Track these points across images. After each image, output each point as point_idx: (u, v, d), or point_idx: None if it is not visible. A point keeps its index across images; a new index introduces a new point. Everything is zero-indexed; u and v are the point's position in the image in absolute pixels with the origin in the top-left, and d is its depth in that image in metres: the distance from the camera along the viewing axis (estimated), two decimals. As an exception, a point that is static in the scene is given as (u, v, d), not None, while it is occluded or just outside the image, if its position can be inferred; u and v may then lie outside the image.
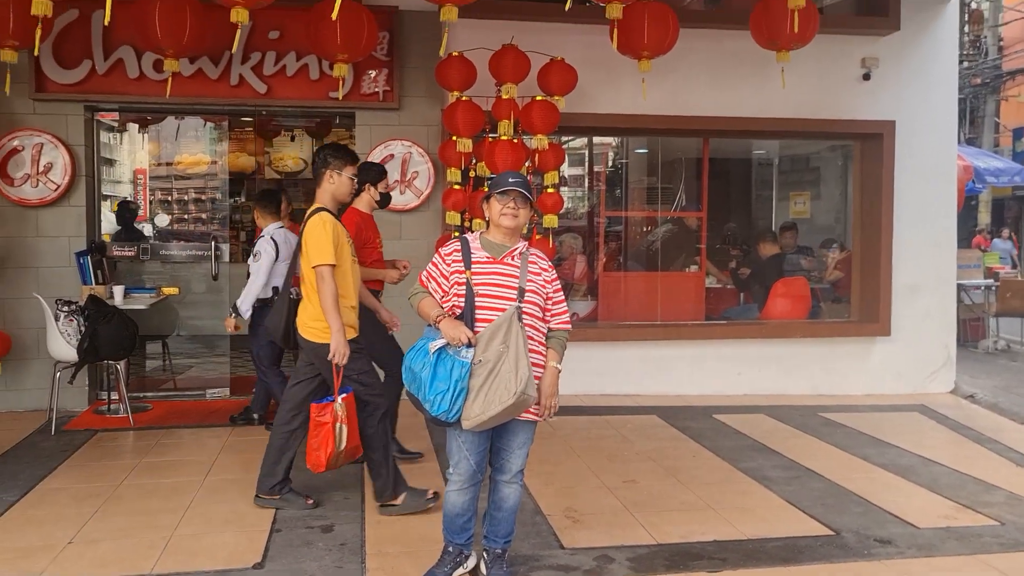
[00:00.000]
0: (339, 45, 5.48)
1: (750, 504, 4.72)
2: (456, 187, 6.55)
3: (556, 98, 6.39)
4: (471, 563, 3.62)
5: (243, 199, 10.62)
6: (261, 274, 5.78)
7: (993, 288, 10.76)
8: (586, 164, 9.44)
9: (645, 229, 8.69)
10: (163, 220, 10.61)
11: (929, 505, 4.77)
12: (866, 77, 7.64)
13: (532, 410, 3.40)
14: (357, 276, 4.38)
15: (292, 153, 10.86)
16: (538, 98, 6.35)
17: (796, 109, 7.44)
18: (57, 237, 6.62)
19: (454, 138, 6.37)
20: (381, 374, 4.88)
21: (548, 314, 3.49)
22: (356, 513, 4.44)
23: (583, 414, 6.62)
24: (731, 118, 7.46)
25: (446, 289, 3.44)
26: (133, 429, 6.10)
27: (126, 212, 8.46)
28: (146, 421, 6.31)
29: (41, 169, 6.53)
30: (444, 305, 3.41)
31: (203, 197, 10.73)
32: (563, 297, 3.56)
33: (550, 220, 6.61)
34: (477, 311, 3.34)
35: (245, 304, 5.78)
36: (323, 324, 4.11)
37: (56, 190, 6.56)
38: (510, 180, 3.43)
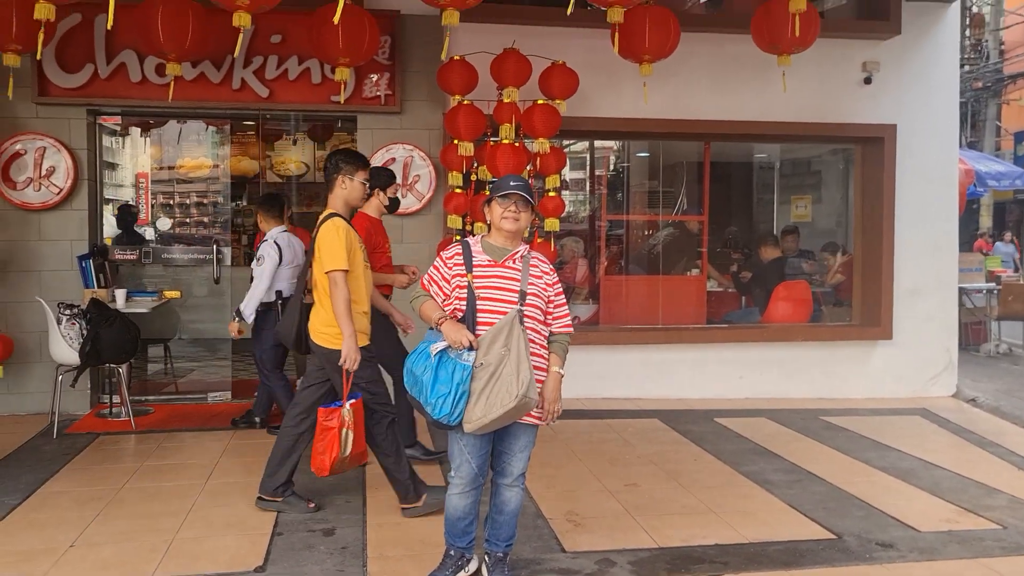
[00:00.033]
0: (341, 49, 5.49)
1: (751, 508, 4.71)
2: (458, 191, 6.56)
3: (557, 102, 6.40)
4: (472, 567, 3.62)
5: (245, 203, 10.64)
6: (264, 278, 5.78)
7: (995, 292, 10.75)
8: (587, 168, 9.45)
9: (646, 233, 8.69)
10: (165, 224, 10.62)
11: (931, 509, 4.77)
12: (867, 81, 7.65)
13: (534, 414, 3.40)
14: (369, 281, 4.38)
15: (294, 157, 10.87)
16: (539, 102, 6.35)
17: (797, 113, 7.45)
18: (59, 241, 6.63)
19: (456, 142, 6.37)
20: (389, 380, 4.88)
21: (549, 317, 3.49)
22: (357, 516, 4.44)
23: (584, 418, 6.62)
24: (732, 122, 7.47)
25: (447, 292, 3.44)
26: (135, 432, 6.11)
27: (127, 216, 8.48)
28: (148, 424, 6.32)
29: (43, 173, 6.54)
30: (446, 309, 3.42)
31: (205, 201, 10.74)
32: (564, 300, 3.57)
33: (551, 224, 6.62)
34: (478, 314, 3.35)
35: (249, 308, 5.78)
36: (335, 330, 4.11)
37: (58, 194, 6.57)
38: (511, 183, 3.44)
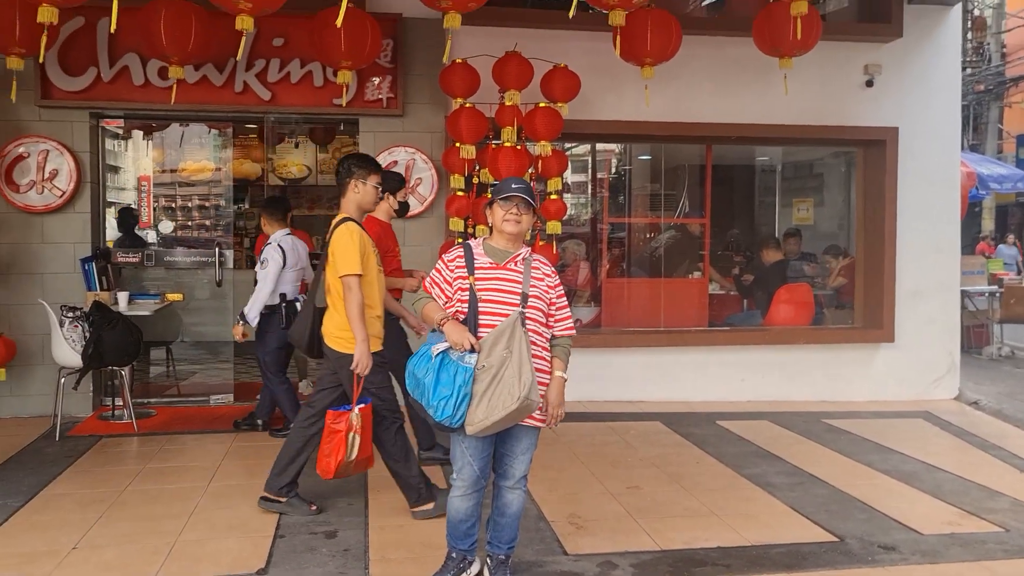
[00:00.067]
0: (343, 52, 5.50)
1: (754, 510, 4.71)
2: (460, 193, 6.56)
3: (559, 105, 6.41)
4: (475, 569, 3.62)
5: (247, 205, 10.66)
6: (268, 281, 5.79)
7: (997, 295, 10.75)
8: (589, 170, 9.46)
9: (648, 235, 8.70)
10: (167, 227, 10.64)
11: (933, 511, 4.76)
12: (869, 84, 7.65)
13: (536, 416, 3.40)
14: (383, 285, 4.39)
15: (296, 160, 10.89)
16: (541, 105, 6.36)
17: (799, 116, 7.45)
18: (62, 243, 6.64)
19: (458, 145, 6.38)
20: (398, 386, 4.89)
21: (551, 320, 3.50)
22: (360, 519, 4.44)
23: (586, 420, 6.62)
24: (734, 124, 7.48)
25: (449, 295, 3.45)
26: (137, 435, 6.12)
27: (129, 218, 8.49)
28: (150, 427, 6.32)
29: (46, 176, 6.56)
30: (448, 311, 3.42)
31: (207, 204, 10.76)
32: (566, 303, 3.57)
33: (553, 226, 6.62)
34: (480, 316, 3.35)
35: (252, 312, 5.79)
36: (348, 334, 4.11)
37: (61, 197, 6.59)
38: (513, 186, 3.45)
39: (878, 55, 7.64)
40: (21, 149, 6.52)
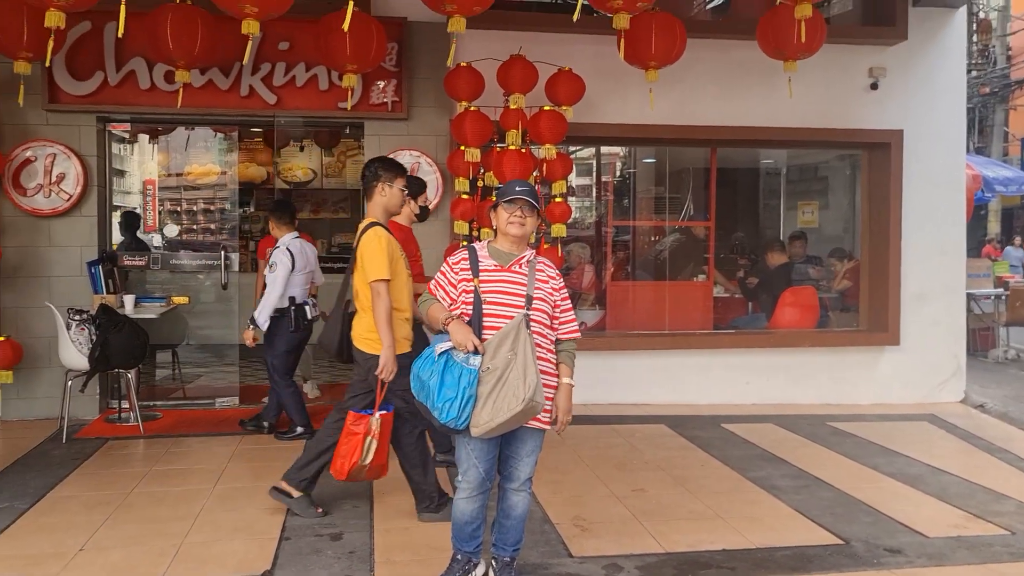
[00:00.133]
0: (348, 56, 5.52)
1: (759, 513, 4.71)
2: (464, 196, 6.58)
3: (564, 108, 6.42)
4: (480, 571, 3.62)
5: (252, 209, 10.69)
6: (278, 285, 5.81)
7: (1003, 297, 10.72)
8: (594, 174, 9.47)
9: (653, 239, 8.70)
10: (172, 230, 10.68)
11: (939, 514, 4.75)
12: (874, 87, 7.65)
13: (541, 418, 3.41)
14: (411, 287, 4.40)
15: (301, 163, 10.92)
16: (546, 108, 6.38)
17: (803, 118, 7.45)
18: (69, 247, 6.67)
19: (462, 148, 6.40)
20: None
21: (556, 322, 3.50)
22: (365, 521, 4.45)
23: (591, 423, 6.62)
24: (738, 127, 7.48)
25: (454, 297, 3.46)
26: (143, 437, 6.13)
27: (133, 222, 8.52)
28: (156, 429, 6.34)
29: (53, 179, 6.59)
30: (453, 312, 3.43)
31: (212, 207, 10.80)
32: (571, 306, 3.58)
33: (558, 229, 6.63)
34: (485, 319, 3.36)
35: (263, 316, 5.81)
36: (376, 335, 4.13)
37: (68, 200, 6.61)
38: (517, 189, 3.46)
39: (883, 58, 7.64)
40: (28, 153, 6.56)
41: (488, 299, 3.38)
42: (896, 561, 4.06)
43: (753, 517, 4.63)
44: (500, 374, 3.23)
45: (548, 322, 3.46)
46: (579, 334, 3.58)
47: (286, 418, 6.15)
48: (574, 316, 3.58)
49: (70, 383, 6.12)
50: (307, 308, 6.04)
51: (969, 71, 16.46)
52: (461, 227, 6.61)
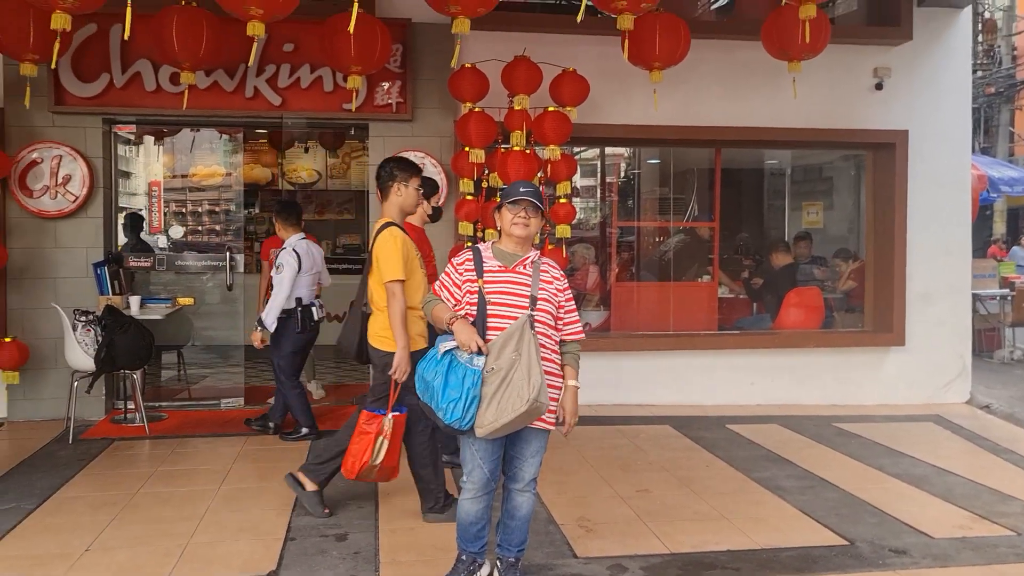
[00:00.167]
0: (353, 57, 5.53)
1: (764, 514, 4.71)
2: (469, 197, 6.59)
3: (568, 109, 6.42)
4: (485, 571, 3.63)
5: (257, 210, 10.72)
6: (284, 286, 5.82)
7: (1009, 298, 10.70)
8: (598, 175, 9.47)
9: (657, 239, 8.70)
10: (177, 232, 10.71)
11: (944, 515, 4.75)
12: (878, 87, 7.64)
13: (546, 419, 3.41)
14: (426, 287, 4.40)
15: (306, 164, 10.95)
16: (550, 109, 6.38)
17: (808, 119, 7.44)
18: (75, 248, 6.69)
19: (467, 149, 6.40)
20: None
21: (560, 323, 3.51)
22: (370, 522, 4.46)
23: (596, 424, 6.62)
24: (743, 128, 7.48)
25: (459, 298, 3.46)
26: (149, 438, 6.15)
27: (137, 224, 8.55)
28: (162, 430, 6.36)
29: (60, 181, 6.61)
30: (458, 312, 3.44)
31: (217, 208, 10.84)
32: (575, 307, 3.58)
33: (563, 230, 6.63)
34: (489, 319, 3.36)
35: (270, 317, 5.82)
36: (391, 333, 4.14)
37: (74, 202, 6.64)
38: (521, 190, 3.46)
39: (887, 58, 7.63)
40: (35, 155, 6.58)
41: (492, 300, 3.38)
42: (901, 562, 4.05)
43: (758, 518, 4.63)
44: (504, 375, 3.23)
45: (552, 323, 3.46)
46: (583, 335, 3.58)
47: (292, 419, 6.16)
48: (578, 317, 3.58)
49: (76, 384, 6.14)
50: (314, 309, 6.06)
51: (974, 71, 16.39)
52: (465, 228, 6.62)
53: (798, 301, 8.11)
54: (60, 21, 4.47)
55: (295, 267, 5.86)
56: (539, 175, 6.47)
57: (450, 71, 6.37)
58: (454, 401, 3.26)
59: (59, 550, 4.05)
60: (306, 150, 10.88)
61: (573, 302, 3.57)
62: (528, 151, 6.34)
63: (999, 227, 19.94)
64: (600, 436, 6.31)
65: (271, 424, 6.26)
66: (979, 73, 19.39)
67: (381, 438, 4.09)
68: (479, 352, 3.27)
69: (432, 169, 6.98)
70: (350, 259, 9.88)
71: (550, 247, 6.65)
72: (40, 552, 4.03)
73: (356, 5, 4.35)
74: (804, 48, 5.33)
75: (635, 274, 8.27)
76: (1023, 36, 20.12)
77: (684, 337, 7.66)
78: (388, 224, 4.27)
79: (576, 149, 8.42)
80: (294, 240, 6.06)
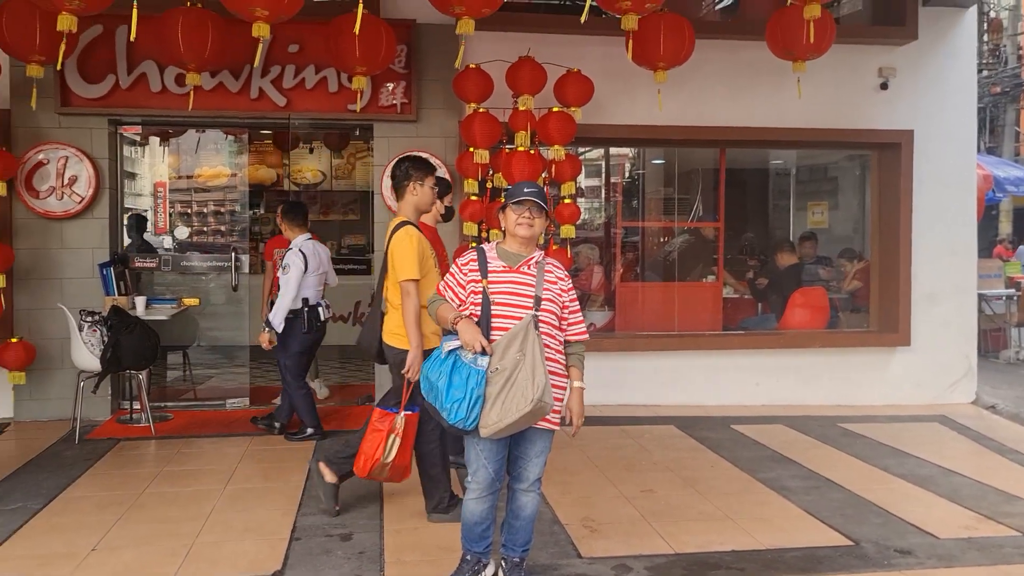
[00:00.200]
0: (358, 58, 5.54)
1: (768, 514, 4.70)
2: (473, 198, 6.59)
3: (573, 109, 6.42)
4: (489, 572, 3.63)
5: (262, 211, 10.74)
6: (291, 286, 5.83)
7: (1015, 298, 10.67)
8: (603, 175, 9.47)
9: (662, 240, 8.69)
10: (183, 232, 10.73)
11: (949, 516, 4.74)
12: (883, 87, 7.63)
13: (550, 419, 3.41)
14: None
15: (311, 165, 10.97)
16: (555, 109, 6.38)
17: (813, 119, 7.43)
18: (81, 249, 6.71)
19: (471, 149, 6.41)
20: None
21: (564, 323, 3.51)
22: (375, 522, 4.46)
23: (600, 424, 6.61)
24: (747, 128, 7.47)
25: (463, 298, 3.47)
26: (155, 438, 6.17)
27: (141, 224, 8.57)
28: (167, 430, 6.38)
29: (66, 182, 6.63)
30: (462, 312, 3.44)
31: (223, 209, 10.85)
32: (579, 307, 3.59)
33: (567, 231, 6.63)
34: (493, 319, 3.37)
35: (277, 318, 5.83)
36: (405, 332, 4.14)
37: (80, 203, 6.66)
38: (525, 190, 3.47)
39: (892, 58, 7.62)
40: (41, 156, 6.60)
41: (496, 300, 3.39)
42: (906, 562, 4.05)
43: (763, 518, 4.63)
44: (509, 375, 3.24)
45: (556, 323, 3.46)
46: (587, 335, 3.59)
47: (297, 419, 6.17)
48: (582, 318, 3.58)
49: (82, 384, 6.17)
50: (320, 309, 6.07)
51: (980, 71, 16.39)
52: (470, 228, 6.62)
53: (803, 301, 8.10)
54: (66, 22, 4.48)
55: (302, 267, 5.87)
56: (543, 175, 6.47)
57: (454, 72, 6.37)
58: (458, 401, 3.26)
59: (65, 550, 4.06)
60: (311, 151, 10.89)
61: (577, 303, 3.58)
62: (532, 151, 6.34)
63: (1005, 227, 19.89)
64: (605, 436, 6.31)
65: (276, 424, 6.27)
66: (984, 73, 19.36)
67: (393, 436, 4.09)
68: (483, 352, 3.28)
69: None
70: (355, 259, 9.90)
71: (554, 247, 6.65)
72: (46, 552, 4.05)
73: (361, 6, 4.36)
74: (809, 48, 5.32)
75: (639, 274, 8.27)
76: (1029, 35, 20.06)
77: (689, 337, 7.66)
78: (404, 223, 4.27)
79: (580, 149, 8.42)
80: (300, 240, 6.07)
